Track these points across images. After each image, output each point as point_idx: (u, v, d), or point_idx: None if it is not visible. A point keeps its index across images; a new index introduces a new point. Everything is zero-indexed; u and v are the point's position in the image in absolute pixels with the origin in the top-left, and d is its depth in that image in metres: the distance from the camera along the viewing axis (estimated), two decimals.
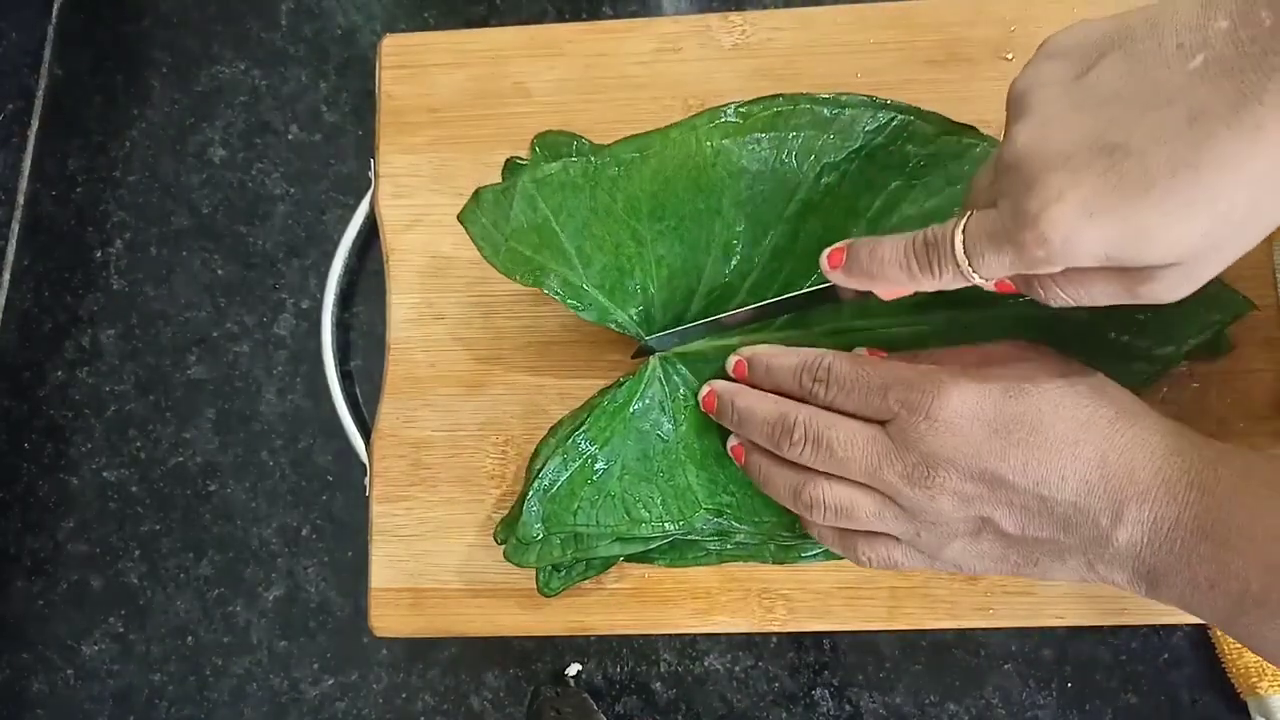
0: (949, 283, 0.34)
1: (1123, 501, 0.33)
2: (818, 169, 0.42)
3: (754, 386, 0.41)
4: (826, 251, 0.37)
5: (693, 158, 0.42)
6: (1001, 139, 0.32)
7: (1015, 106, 0.32)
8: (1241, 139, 0.26)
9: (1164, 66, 0.28)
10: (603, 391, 0.45)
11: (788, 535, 0.43)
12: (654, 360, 0.43)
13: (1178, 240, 0.28)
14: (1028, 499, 0.34)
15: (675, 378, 0.43)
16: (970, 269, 0.32)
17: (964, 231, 0.32)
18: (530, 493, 0.42)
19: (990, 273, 0.32)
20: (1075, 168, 0.29)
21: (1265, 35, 0.26)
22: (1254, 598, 0.31)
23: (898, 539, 0.38)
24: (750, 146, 0.42)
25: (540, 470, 0.42)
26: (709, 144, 0.42)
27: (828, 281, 0.39)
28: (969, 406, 0.35)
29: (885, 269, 0.35)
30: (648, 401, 0.43)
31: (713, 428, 0.43)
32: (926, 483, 0.35)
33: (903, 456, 0.36)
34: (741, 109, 0.42)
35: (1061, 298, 0.33)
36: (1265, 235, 0.29)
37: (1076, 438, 0.34)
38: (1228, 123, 0.26)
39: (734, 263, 0.43)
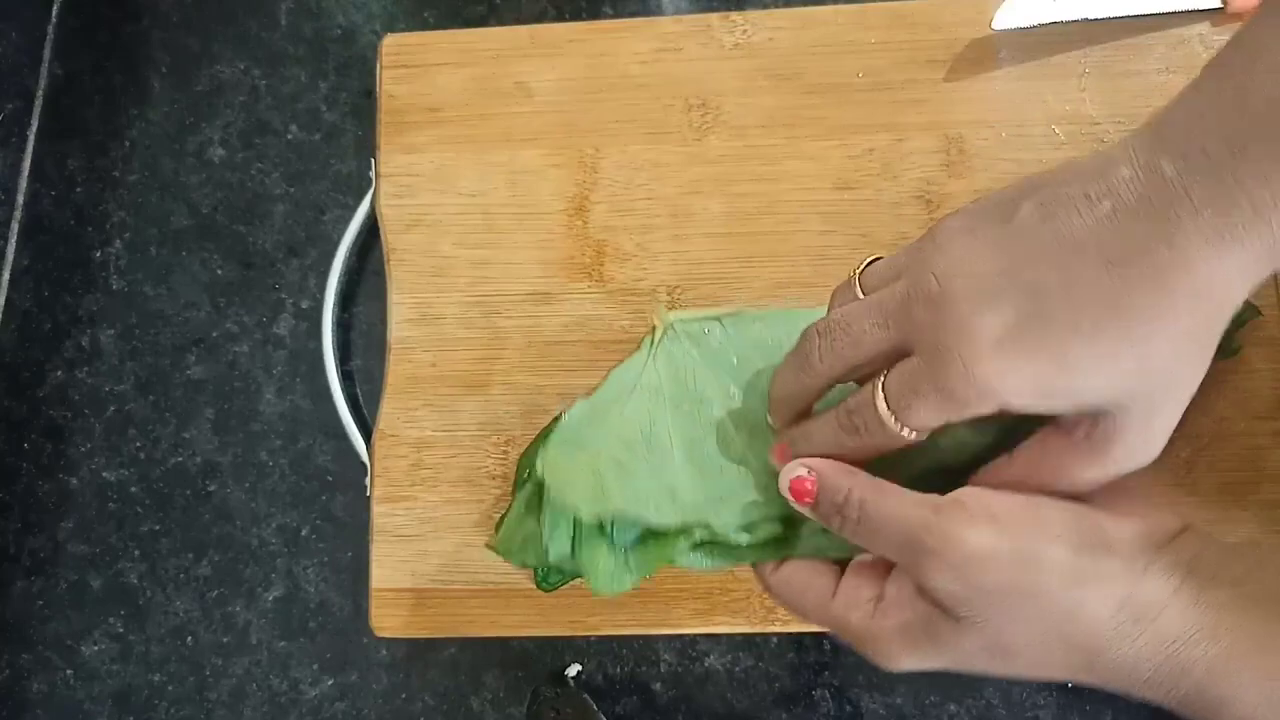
0: (887, 442, 0.32)
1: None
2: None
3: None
4: (773, 454, 0.36)
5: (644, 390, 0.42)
6: (908, 279, 0.31)
7: (932, 244, 0.31)
8: (1151, 282, 0.27)
9: (1075, 214, 0.28)
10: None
11: (782, 546, 0.42)
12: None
13: (1108, 376, 0.28)
14: None
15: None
16: (897, 425, 0.31)
17: (884, 389, 0.31)
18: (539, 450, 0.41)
19: (921, 423, 0.31)
20: (998, 304, 0.28)
21: (1166, 185, 0.27)
22: None
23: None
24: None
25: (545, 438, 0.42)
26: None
27: None
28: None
29: (819, 448, 0.34)
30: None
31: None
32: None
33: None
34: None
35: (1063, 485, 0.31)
36: (1199, 377, 0.29)
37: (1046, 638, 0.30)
38: (1140, 268, 0.27)
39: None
